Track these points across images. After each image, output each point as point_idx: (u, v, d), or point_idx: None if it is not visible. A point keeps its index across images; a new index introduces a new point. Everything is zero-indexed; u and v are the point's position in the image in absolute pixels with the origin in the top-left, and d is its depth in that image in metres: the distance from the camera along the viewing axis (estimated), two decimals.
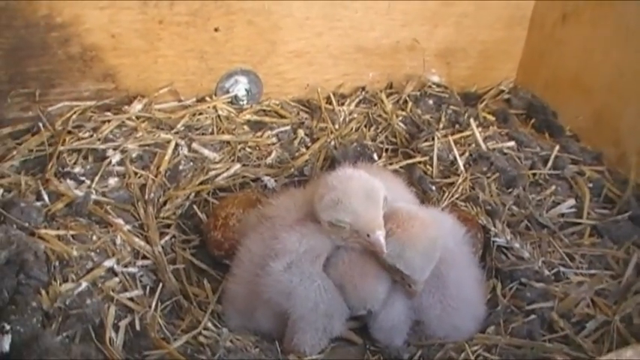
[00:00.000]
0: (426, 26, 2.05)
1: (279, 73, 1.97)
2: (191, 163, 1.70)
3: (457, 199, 1.68)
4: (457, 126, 1.94)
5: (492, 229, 1.53)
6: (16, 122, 1.71)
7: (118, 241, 1.41)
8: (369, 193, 1.22)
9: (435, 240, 1.24)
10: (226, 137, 1.80)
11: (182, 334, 1.26)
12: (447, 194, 1.69)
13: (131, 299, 1.30)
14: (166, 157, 1.67)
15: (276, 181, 1.70)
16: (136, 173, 1.61)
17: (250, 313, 1.32)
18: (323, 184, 1.26)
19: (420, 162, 1.79)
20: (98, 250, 1.36)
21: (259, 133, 1.85)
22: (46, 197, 1.46)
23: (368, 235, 1.20)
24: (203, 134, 1.80)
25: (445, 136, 1.86)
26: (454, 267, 1.31)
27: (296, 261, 1.25)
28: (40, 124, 1.67)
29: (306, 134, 1.88)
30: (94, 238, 1.38)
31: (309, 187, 1.42)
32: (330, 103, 1.99)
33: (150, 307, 1.29)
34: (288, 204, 1.36)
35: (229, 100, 1.92)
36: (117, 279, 1.32)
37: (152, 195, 1.57)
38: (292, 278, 1.24)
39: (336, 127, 1.90)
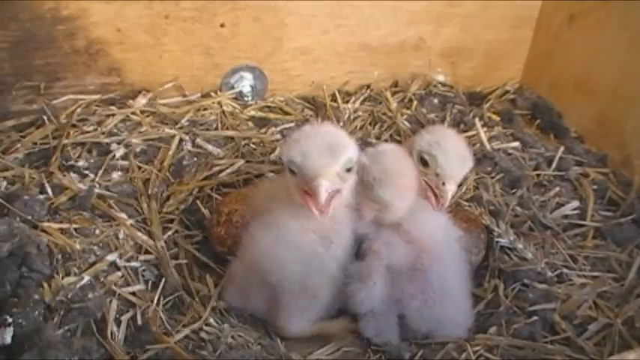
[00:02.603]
0: (432, 25, 2.05)
1: (285, 69, 1.97)
2: (195, 159, 1.70)
3: (461, 198, 1.67)
4: (462, 125, 1.94)
5: (496, 229, 1.53)
6: (20, 115, 1.71)
7: (121, 235, 1.41)
8: (332, 145, 1.18)
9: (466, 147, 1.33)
10: (230, 133, 1.80)
11: (184, 329, 1.26)
12: None
13: (133, 294, 1.30)
14: (170, 152, 1.67)
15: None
16: (139, 168, 1.61)
17: (247, 294, 1.33)
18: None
19: None
20: (101, 244, 1.36)
21: (263, 130, 1.85)
22: (49, 190, 1.46)
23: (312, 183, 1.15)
24: (207, 130, 1.80)
25: None
26: (438, 260, 1.30)
27: (285, 233, 1.26)
28: (45, 117, 1.68)
29: None
30: (97, 231, 1.38)
31: None
32: (335, 101, 1.99)
33: (152, 301, 1.29)
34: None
35: (234, 96, 1.92)
36: (119, 273, 1.32)
37: (155, 190, 1.57)
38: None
39: (341, 124, 1.89)
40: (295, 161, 1.17)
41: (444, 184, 1.29)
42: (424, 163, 1.31)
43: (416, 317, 1.32)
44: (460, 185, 1.70)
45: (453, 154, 1.30)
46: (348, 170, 1.20)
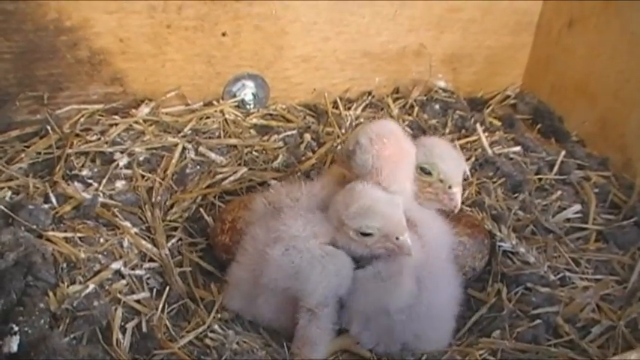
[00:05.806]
0: (432, 32, 2.06)
1: (286, 77, 1.98)
2: (198, 167, 1.71)
3: (463, 203, 1.67)
4: (463, 131, 1.95)
5: (498, 233, 1.53)
6: (24, 125, 1.72)
7: (125, 243, 1.42)
8: (392, 199, 1.26)
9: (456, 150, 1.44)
10: (233, 141, 1.80)
11: (188, 334, 1.26)
12: None
13: (138, 301, 1.30)
14: (173, 161, 1.68)
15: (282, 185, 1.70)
16: (143, 176, 1.62)
17: (253, 299, 1.32)
18: (345, 194, 1.28)
19: None
20: (105, 253, 1.37)
21: (266, 137, 1.85)
22: (53, 200, 1.47)
23: (397, 238, 1.23)
24: (210, 138, 1.81)
25: (451, 140, 1.86)
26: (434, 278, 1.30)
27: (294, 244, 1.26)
28: (49, 127, 1.68)
29: (312, 138, 1.88)
30: (102, 240, 1.39)
31: (318, 181, 1.44)
32: (337, 108, 2.00)
33: (157, 309, 1.29)
34: (295, 194, 1.38)
35: (236, 104, 1.93)
36: (124, 281, 1.33)
37: (159, 198, 1.58)
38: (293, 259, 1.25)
39: (343, 131, 1.90)
40: (375, 226, 1.23)
41: (450, 187, 1.35)
42: (426, 172, 1.36)
43: (398, 329, 1.29)
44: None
45: (449, 158, 1.37)
46: None
